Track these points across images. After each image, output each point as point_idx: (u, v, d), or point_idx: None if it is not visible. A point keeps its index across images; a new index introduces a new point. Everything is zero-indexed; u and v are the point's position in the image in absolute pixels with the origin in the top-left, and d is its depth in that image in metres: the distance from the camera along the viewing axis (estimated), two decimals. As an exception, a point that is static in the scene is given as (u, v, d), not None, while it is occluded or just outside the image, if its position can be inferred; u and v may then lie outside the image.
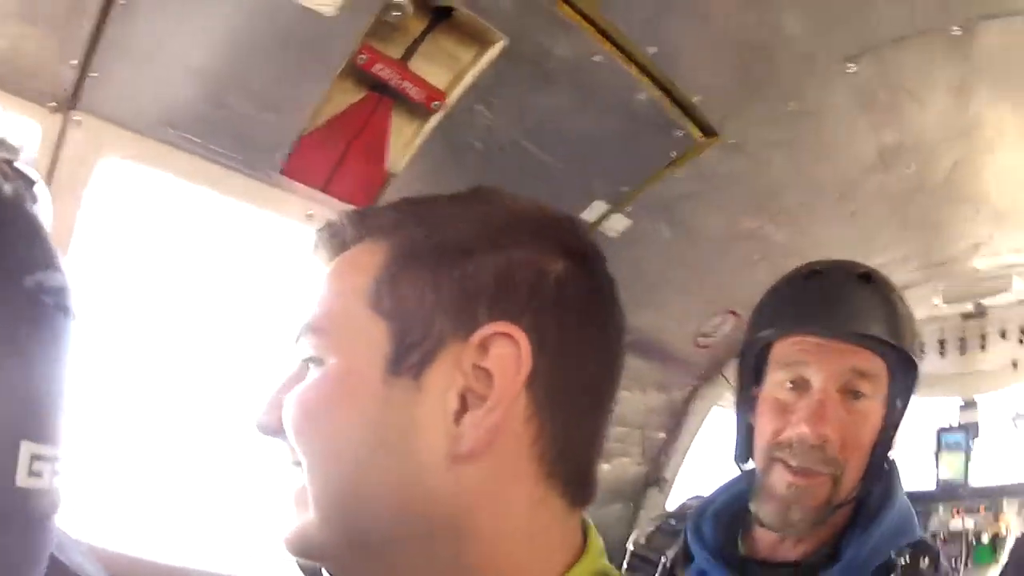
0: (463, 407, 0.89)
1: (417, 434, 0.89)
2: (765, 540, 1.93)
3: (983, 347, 4.74)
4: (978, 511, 4.96)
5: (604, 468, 4.00)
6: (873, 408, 1.85)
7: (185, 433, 3.32)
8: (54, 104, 2.18)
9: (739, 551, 1.98)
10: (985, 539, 4.85)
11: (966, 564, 4.80)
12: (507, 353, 0.89)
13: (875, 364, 1.84)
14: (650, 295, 3.68)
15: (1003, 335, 4.65)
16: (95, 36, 2.07)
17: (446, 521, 0.88)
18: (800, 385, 1.86)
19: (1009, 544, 4.77)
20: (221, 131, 2.41)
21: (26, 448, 1.00)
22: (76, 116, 2.22)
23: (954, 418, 5.20)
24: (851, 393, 1.83)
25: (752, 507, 1.92)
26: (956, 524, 4.92)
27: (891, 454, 1.94)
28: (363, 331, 0.95)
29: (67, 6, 2.01)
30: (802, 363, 1.86)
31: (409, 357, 0.93)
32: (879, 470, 1.90)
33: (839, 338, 1.83)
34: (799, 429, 1.81)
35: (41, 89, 2.15)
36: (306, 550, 0.96)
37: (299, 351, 0.98)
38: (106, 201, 2.46)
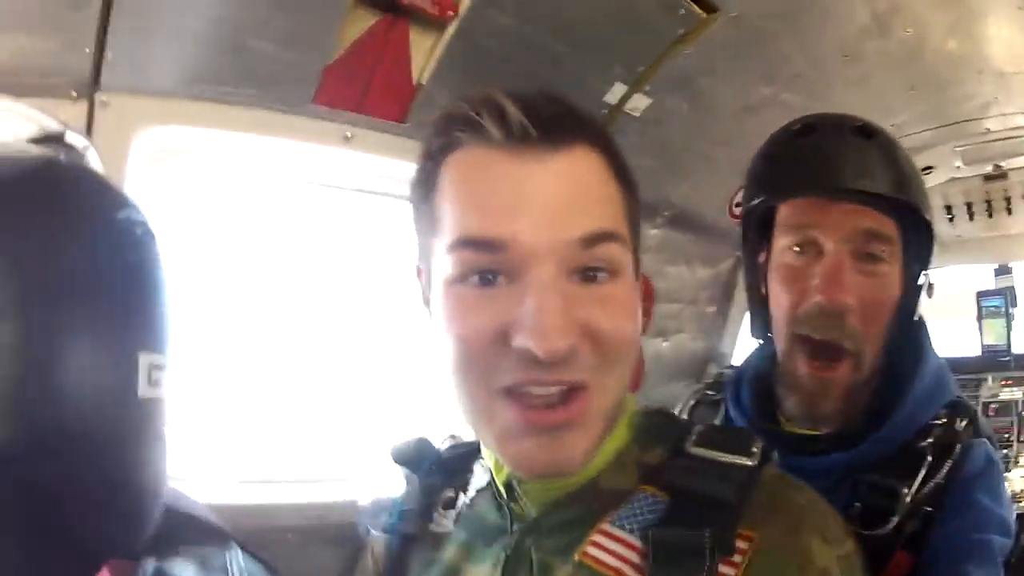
0: None
1: None
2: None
3: (1009, 211, 4.79)
4: (1027, 382, 4.94)
5: (663, 346, 4.25)
6: (891, 272, 1.77)
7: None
8: (75, 93, 2.17)
9: (777, 421, 1.92)
10: None
11: (1019, 438, 4.69)
12: None
13: (887, 224, 1.75)
14: (681, 169, 3.84)
15: (1027, 198, 4.68)
16: (103, 20, 2.09)
17: None
18: (810, 249, 1.78)
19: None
20: (247, 75, 2.42)
21: (144, 359, 1.20)
22: (102, 97, 2.21)
23: (991, 283, 5.23)
24: (866, 256, 1.74)
25: (778, 393, 1.90)
26: (1006, 394, 4.88)
27: (915, 317, 1.86)
28: (630, 248, 1.21)
29: (68, 2, 2.04)
30: (810, 226, 1.78)
31: (636, 270, 1.26)
32: (902, 340, 1.84)
33: (846, 198, 1.73)
34: (816, 298, 1.74)
35: (60, 83, 2.15)
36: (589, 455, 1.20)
37: (590, 255, 1.12)
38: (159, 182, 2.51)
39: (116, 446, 1.16)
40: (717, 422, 2.06)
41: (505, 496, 1.32)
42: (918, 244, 1.82)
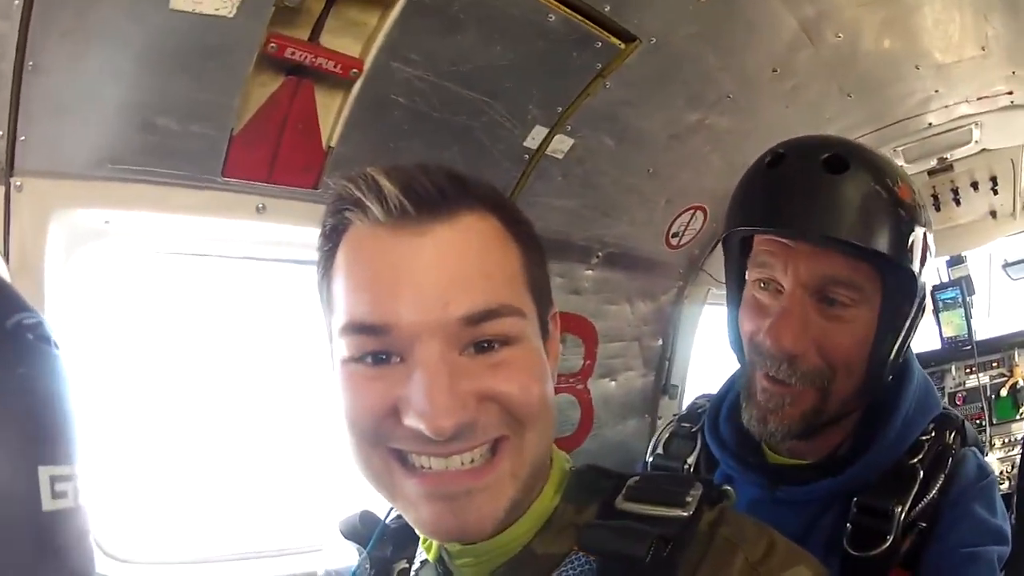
0: None
1: None
2: None
3: (958, 201, 4.76)
4: (991, 366, 5.01)
5: (611, 385, 4.15)
6: (859, 316, 1.69)
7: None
8: None
9: (762, 452, 1.90)
10: (1004, 393, 4.90)
11: (991, 422, 4.81)
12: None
13: (855, 269, 1.66)
14: (611, 206, 3.72)
15: (975, 187, 4.68)
16: (14, 102, 2.06)
17: None
18: (772, 287, 1.74)
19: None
20: (157, 153, 2.39)
21: (44, 472, 1.11)
22: (16, 181, 2.19)
23: (944, 275, 5.24)
24: (827, 300, 1.68)
25: (742, 402, 1.85)
26: (972, 381, 4.95)
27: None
28: (531, 313, 1.22)
29: None
30: (772, 265, 1.72)
31: (543, 333, 1.26)
32: (878, 381, 1.77)
33: (811, 241, 1.66)
34: (767, 337, 1.71)
35: None
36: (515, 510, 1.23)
37: (478, 332, 1.13)
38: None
39: (25, 560, 1.09)
40: (693, 456, 2.05)
41: (440, 571, 1.34)
42: (900, 283, 1.71)
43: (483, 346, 1.14)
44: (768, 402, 1.75)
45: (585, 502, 1.30)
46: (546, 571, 1.24)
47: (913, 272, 1.69)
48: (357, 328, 1.14)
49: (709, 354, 4.70)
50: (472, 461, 1.14)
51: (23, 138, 2.12)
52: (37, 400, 1.18)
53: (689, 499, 1.21)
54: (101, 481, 2.71)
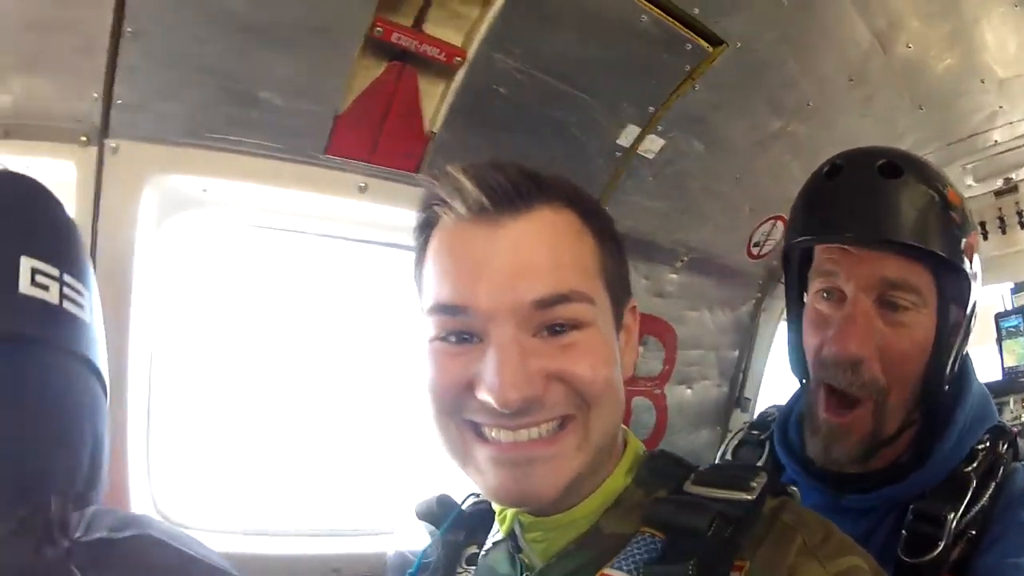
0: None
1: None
2: None
3: (1023, 225, 4.64)
4: (1049, 403, 4.80)
5: (687, 393, 4.20)
6: (919, 321, 1.72)
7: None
8: (85, 139, 2.23)
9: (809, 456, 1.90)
10: None
11: None
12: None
13: (913, 271, 1.70)
14: (697, 210, 3.78)
15: (1042, 211, 4.59)
16: (111, 67, 2.15)
17: None
18: (836, 295, 1.77)
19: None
20: (258, 126, 2.46)
21: (27, 262, 1.31)
22: (111, 143, 2.27)
23: (1008, 303, 5.13)
24: (889, 305, 1.71)
25: (804, 434, 1.90)
26: None
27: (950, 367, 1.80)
28: (603, 302, 1.32)
29: (77, 47, 2.12)
30: (834, 273, 1.76)
31: (617, 322, 1.37)
32: (938, 388, 1.79)
33: (871, 247, 1.70)
34: (832, 346, 1.74)
35: (69, 128, 2.21)
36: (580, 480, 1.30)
37: (549, 315, 1.24)
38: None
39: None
40: (760, 462, 2.07)
41: (513, 547, 1.41)
42: (955, 287, 1.76)
43: (555, 329, 1.24)
44: (829, 433, 1.79)
45: (656, 486, 1.37)
46: (614, 550, 1.29)
47: (967, 274, 1.74)
48: (441, 308, 1.26)
49: (782, 371, 4.73)
50: (539, 435, 1.23)
51: (119, 101, 2.21)
52: (33, 203, 1.42)
53: (754, 485, 1.29)
54: (183, 450, 2.83)
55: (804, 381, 1.97)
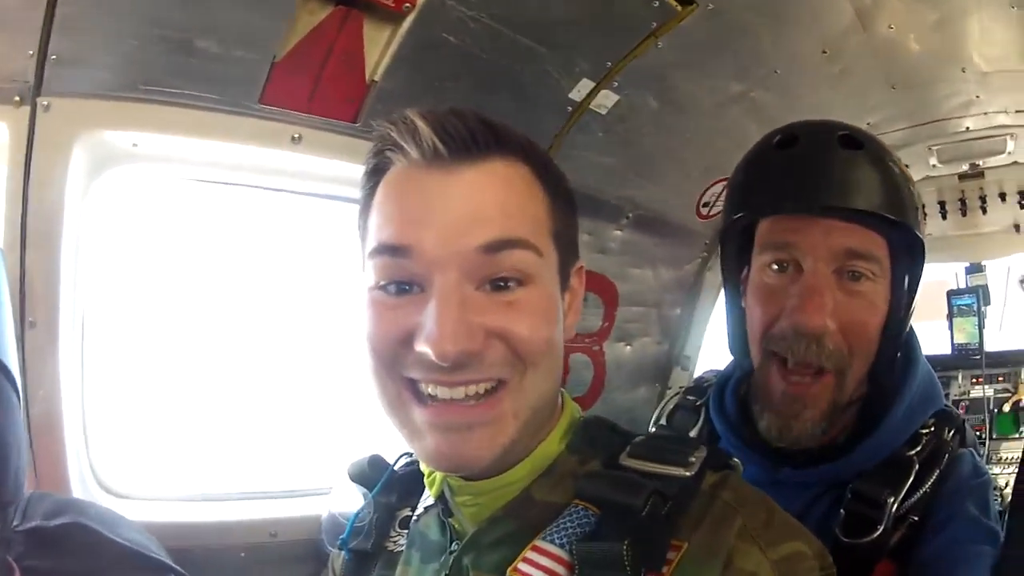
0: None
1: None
2: None
3: (984, 210, 4.74)
4: (997, 380, 4.99)
5: (626, 350, 4.18)
6: (877, 291, 1.72)
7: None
8: (18, 99, 2.15)
9: (761, 434, 1.85)
10: (1007, 408, 4.87)
11: (990, 436, 4.77)
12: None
13: (873, 241, 1.69)
14: (647, 168, 3.72)
15: (1002, 198, 4.68)
16: (47, 20, 2.05)
17: None
18: (789, 267, 1.74)
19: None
20: (194, 76, 2.37)
21: None
22: (43, 101, 2.18)
23: (962, 281, 5.22)
24: (849, 274, 1.69)
25: (753, 411, 1.85)
26: (977, 392, 4.94)
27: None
28: (549, 257, 1.27)
29: (16, 3, 2.04)
30: (789, 244, 1.73)
31: (563, 282, 1.32)
32: (890, 361, 1.79)
33: (827, 215, 1.68)
34: (792, 318, 1.70)
35: (3, 88, 2.13)
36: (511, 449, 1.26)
37: (495, 264, 1.19)
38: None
39: None
40: (695, 429, 2.05)
41: (443, 511, 1.38)
42: (909, 258, 1.77)
43: (499, 284, 1.20)
44: (790, 407, 1.75)
45: (589, 455, 1.34)
46: (546, 520, 1.27)
47: (923, 242, 1.75)
48: (384, 249, 1.21)
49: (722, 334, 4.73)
50: (476, 395, 1.20)
51: (54, 57, 2.13)
52: None
53: (692, 460, 1.25)
54: (121, 417, 2.76)
55: (741, 362, 1.97)
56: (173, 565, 1.68)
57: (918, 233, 1.73)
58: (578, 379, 3.96)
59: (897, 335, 1.77)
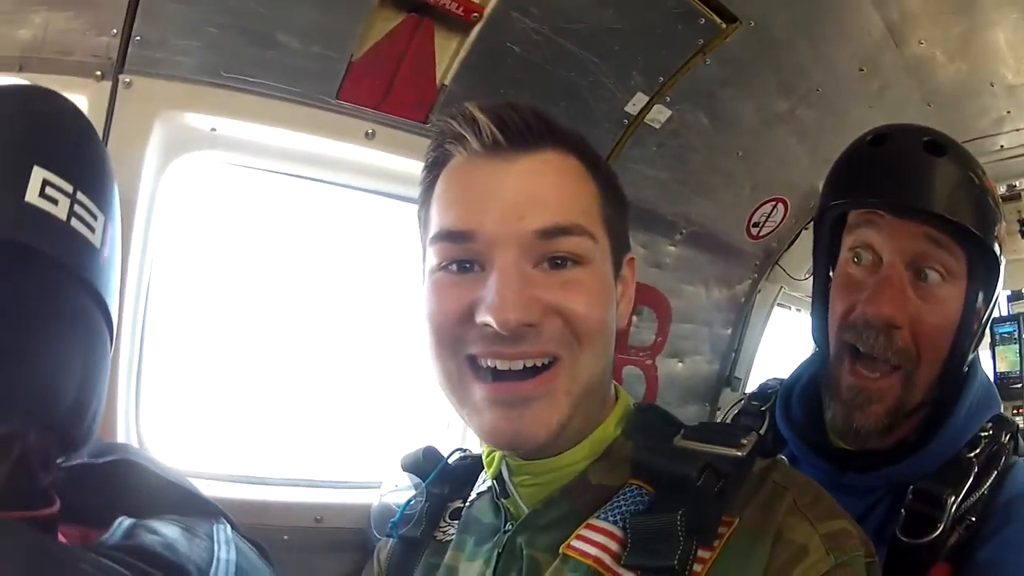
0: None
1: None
2: None
3: (1022, 233, 4.72)
4: (1039, 411, 4.76)
5: (678, 366, 4.22)
6: (951, 296, 1.75)
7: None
8: (99, 73, 2.20)
9: (829, 437, 1.91)
10: None
11: None
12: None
13: (948, 247, 1.72)
14: (700, 185, 3.80)
15: (1041, 221, 4.53)
16: (132, 5, 2.12)
17: None
18: (870, 260, 1.79)
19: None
20: (272, 68, 2.44)
21: (39, 172, 1.27)
22: (125, 78, 2.23)
23: (1004, 309, 5.17)
24: (922, 275, 1.73)
25: (823, 400, 1.89)
26: (1019, 422, 4.66)
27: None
28: (603, 242, 1.38)
29: None
30: (872, 237, 1.78)
31: (616, 270, 1.43)
32: (956, 372, 1.80)
33: (910, 215, 1.72)
34: (865, 308, 1.75)
35: (85, 62, 2.18)
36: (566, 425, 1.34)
37: (551, 246, 1.29)
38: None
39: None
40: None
41: (499, 492, 1.44)
42: (985, 270, 1.78)
43: (556, 262, 1.29)
44: (855, 398, 1.79)
45: (643, 439, 1.42)
46: (601, 501, 1.33)
47: (997, 259, 1.76)
48: (446, 235, 1.31)
49: (772, 356, 4.72)
50: (533, 368, 1.28)
51: (138, 38, 2.20)
52: (62, 122, 1.40)
53: (744, 442, 1.32)
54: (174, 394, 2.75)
55: (817, 350, 2.02)
56: (222, 510, 1.64)
57: (990, 243, 1.74)
58: (630, 392, 3.69)
59: (966, 348, 1.79)
